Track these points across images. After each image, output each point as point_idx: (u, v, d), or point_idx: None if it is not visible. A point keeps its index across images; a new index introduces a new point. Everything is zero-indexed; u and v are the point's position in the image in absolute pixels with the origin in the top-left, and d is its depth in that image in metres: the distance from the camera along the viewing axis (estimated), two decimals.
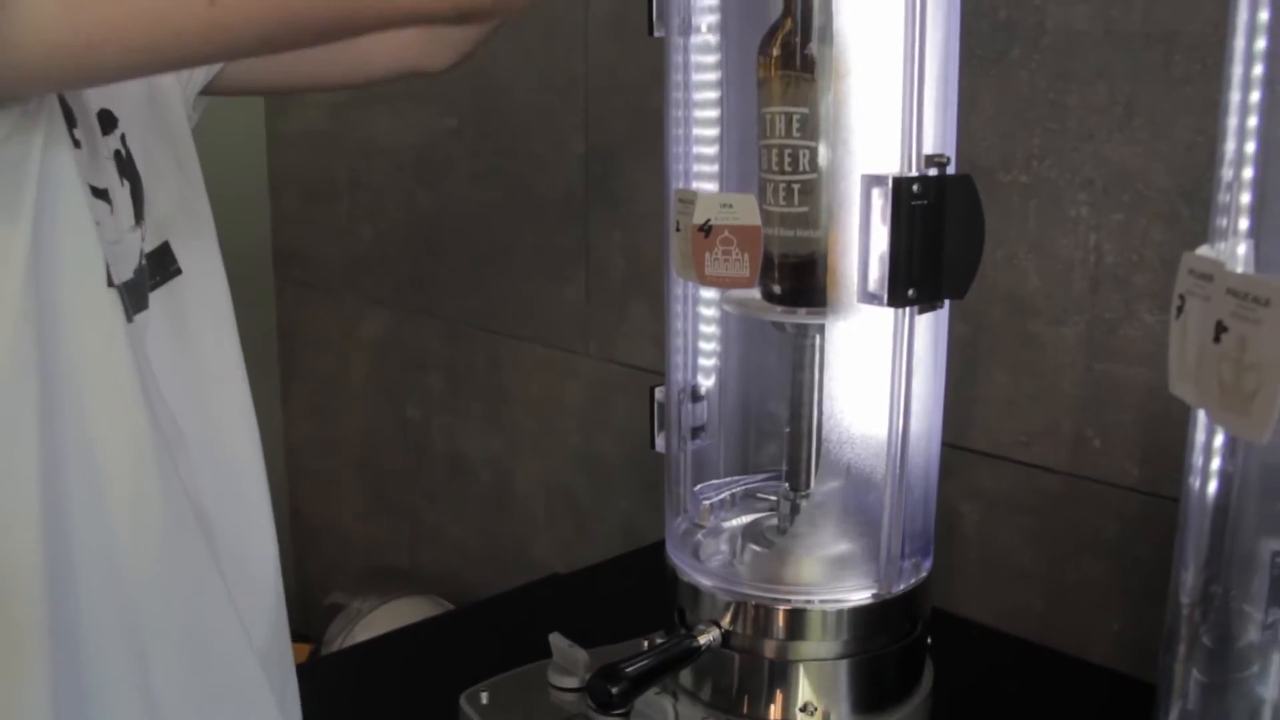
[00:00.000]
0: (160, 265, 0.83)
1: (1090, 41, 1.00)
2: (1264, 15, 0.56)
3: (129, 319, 0.74)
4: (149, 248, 0.81)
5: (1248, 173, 0.55)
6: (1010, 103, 1.06)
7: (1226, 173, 0.56)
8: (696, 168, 0.89)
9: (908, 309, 0.78)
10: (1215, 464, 0.57)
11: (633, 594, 1.06)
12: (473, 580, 1.84)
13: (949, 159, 0.79)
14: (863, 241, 0.78)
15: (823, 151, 0.82)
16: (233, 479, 0.88)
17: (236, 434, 0.90)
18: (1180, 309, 0.52)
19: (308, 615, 2.07)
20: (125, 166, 0.79)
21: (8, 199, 0.64)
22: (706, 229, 0.81)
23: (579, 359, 1.57)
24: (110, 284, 0.70)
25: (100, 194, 0.74)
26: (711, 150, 0.90)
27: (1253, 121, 0.55)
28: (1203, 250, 0.52)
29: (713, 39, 0.90)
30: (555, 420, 1.63)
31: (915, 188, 0.76)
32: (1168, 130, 0.97)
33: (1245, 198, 0.54)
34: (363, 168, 1.95)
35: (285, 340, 2.23)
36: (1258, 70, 0.56)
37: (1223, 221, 0.55)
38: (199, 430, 0.84)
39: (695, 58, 0.89)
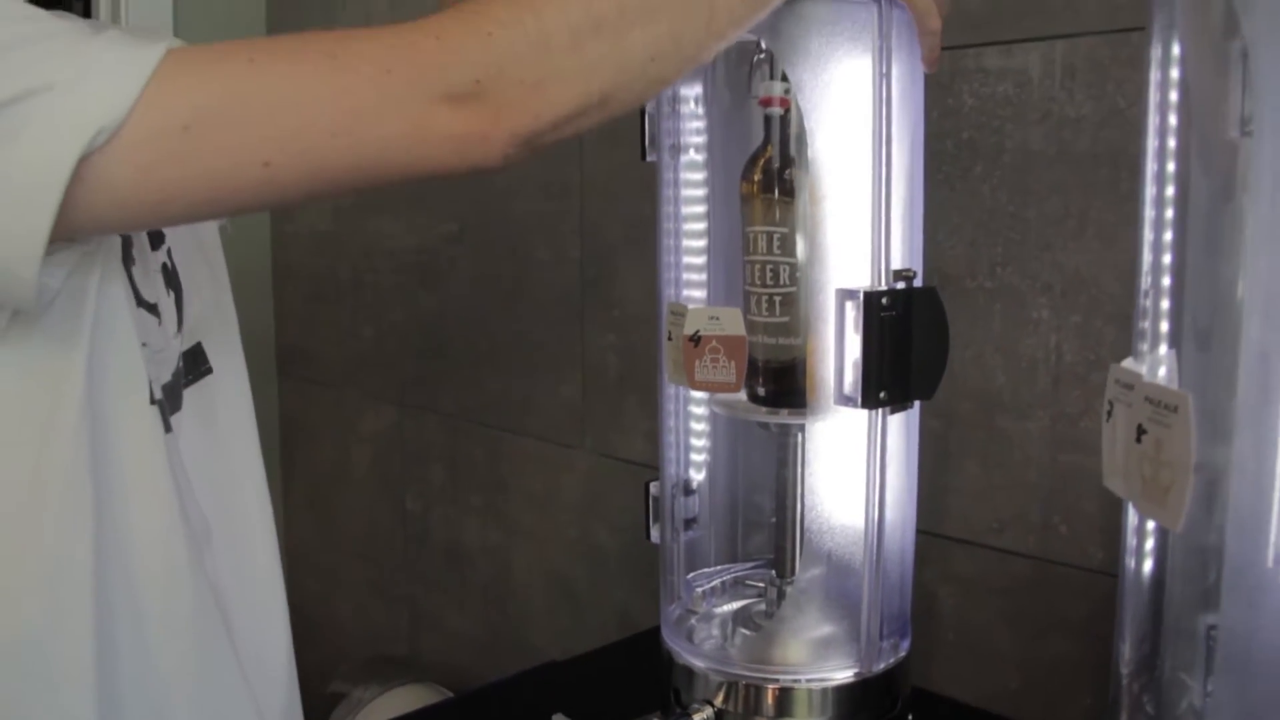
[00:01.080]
0: (194, 365, 0.91)
1: (1045, 160, 1.09)
2: (1171, 142, 0.65)
3: (167, 429, 0.82)
4: (184, 348, 0.89)
5: (1165, 281, 0.64)
6: (975, 215, 1.15)
7: (1145, 280, 0.65)
8: (686, 277, 0.98)
9: (880, 410, 0.86)
10: (1149, 544, 0.64)
11: (629, 677, 1.12)
12: (472, 668, 1.90)
13: (915, 273, 0.87)
14: (838, 349, 0.86)
15: (801, 266, 0.90)
16: (251, 570, 0.95)
17: (256, 527, 0.97)
18: (1110, 413, 0.60)
19: (309, 704, 2.11)
20: (170, 278, 0.87)
21: (68, 328, 0.72)
22: (696, 339, 0.89)
23: (575, 453, 1.65)
24: (152, 401, 0.78)
25: (150, 307, 0.82)
26: (700, 261, 0.98)
27: (1168, 236, 0.63)
28: (1126, 362, 0.60)
29: (700, 159, 0.99)
30: (553, 512, 1.70)
31: (884, 300, 0.84)
32: (1115, 240, 1.06)
33: (1165, 303, 0.62)
34: (365, 268, 2.04)
35: (287, 434, 2.30)
36: (1169, 190, 0.64)
37: (1144, 324, 0.64)
38: (223, 523, 0.91)
39: (685, 177, 0.97)
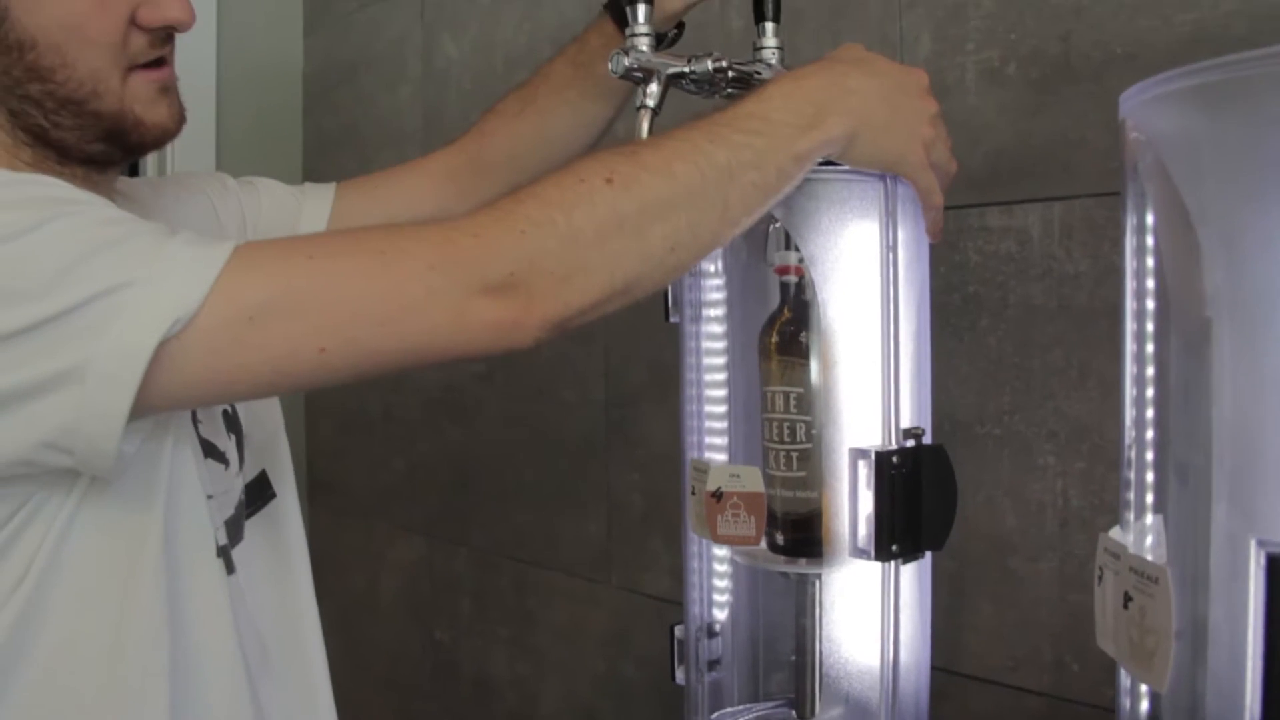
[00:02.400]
0: (259, 493, 0.98)
1: (1047, 314, 1.16)
2: (1150, 303, 0.71)
3: (230, 570, 0.89)
4: (249, 478, 0.97)
5: (1149, 455, 0.69)
6: (981, 365, 1.21)
7: (1129, 454, 0.70)
8: (709, 439, 1.04)
9: (893, 561, 0.92)
10: (1144, 705, 0.69)
11: None
12: None
13: (924, 430, 0.93)
14: (852, 504, 0.91)
15: (816, 423, 0.96)
16: (308, 691, 1.02)
17: (312, 648, 1.04)
18: (1100, 578, 0.66)
19: None
20: (231, 422, 0.95)
21: (143, 491, 0.79)
22: (718, 495, 0.95)
23: (601, 588, 1.69)
24: (217, 554, 0.85)
25: (218, 455, 0.89)
26: (720, 418, 1.04)
27: (1149, 413, 0.69)
28: (1114, 531, 0.66)
29: (720, 320, 1.05)
30: (580, 645, 1.74)
31: (895, 459, 0.90)
32: (1115, 390, 1.11)
33: (1149, 476, 0.68)
34: (395, 403, 2.11)
35: (316, 563, 2.32)
36: (1149, 370, 0.70)
37: (1129, 495, 0.69)
38: (282, 646, 0.98)
39: (707, 333, 1.04)
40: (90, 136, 0.84)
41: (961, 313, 1.22)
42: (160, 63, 0.87)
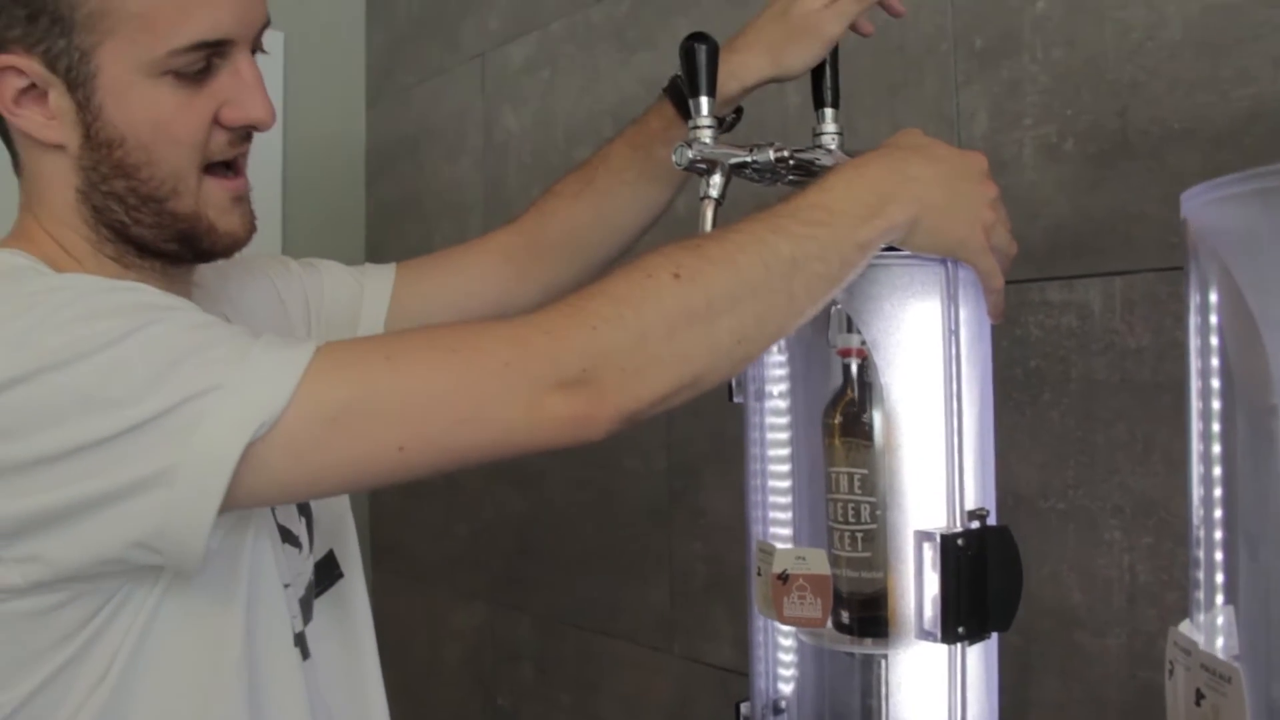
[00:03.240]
0: (327, 572, 1.00)
1: (1110, 388, 1.16)
2: (1216, 405, 0.71)
3: (305, 656, 0.91)
4: (318, 558, 0.99)
5: (1218, 534, 0.69)
6: (1044, 439, 1.21)
7: (1197, 533, 0.70)
8: (773, 514, 1.04)
9: (959, 643, 0.92)
10: None
11: None
12: None
13: (988, 511, 0.94)
14: (917, 586, 0.91)
15: (881, 504, 0.97)
16: None
17: (376, 715, 1.05)
18: (1171, 673, 0.66)
19: None
20: (302, 506, 0.97)
21: (225, 583, 0.82)
22: (784, 577, 0.95)
23: (664, 656, 1.69)
24: (295, 641, 0.87)
25: (291, 537, 0.92)
26: (785, 500, 1.05)
27: (1217, 513, 0.69)
28: (1184, 625, 0.66)
29: (783, 401, 1.06)
30: (642, 715, 1.74)
31: (960, 542, 0.90)
32: (1181, 465, 1.11)
33: (1219, 577, 0.68)
34: (459, 470, 2.12)
35: (379, 627, 2.35)
36: (1216, 449, 0.70)
37: (1198, 574, 0.69)
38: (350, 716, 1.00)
39: (770, 421, 1.05)
40: (166, 235, 0.87)
41: (1024, 387, 1.23)
42: (235, 172, 0.90)
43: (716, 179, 0.93)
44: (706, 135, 0.93)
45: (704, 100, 0.93)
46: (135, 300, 0.76)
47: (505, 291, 1.18)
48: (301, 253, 1.21)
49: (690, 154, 0.93)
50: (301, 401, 0.72)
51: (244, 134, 0.89)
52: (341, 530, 1.04)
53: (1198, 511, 0.76)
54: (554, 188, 1.22)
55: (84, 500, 0.71)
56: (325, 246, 2.38)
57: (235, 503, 0.72)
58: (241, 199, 0.91)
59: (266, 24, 0.89)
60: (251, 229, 0.92)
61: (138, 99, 0.83)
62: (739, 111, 1.11)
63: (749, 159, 0.94)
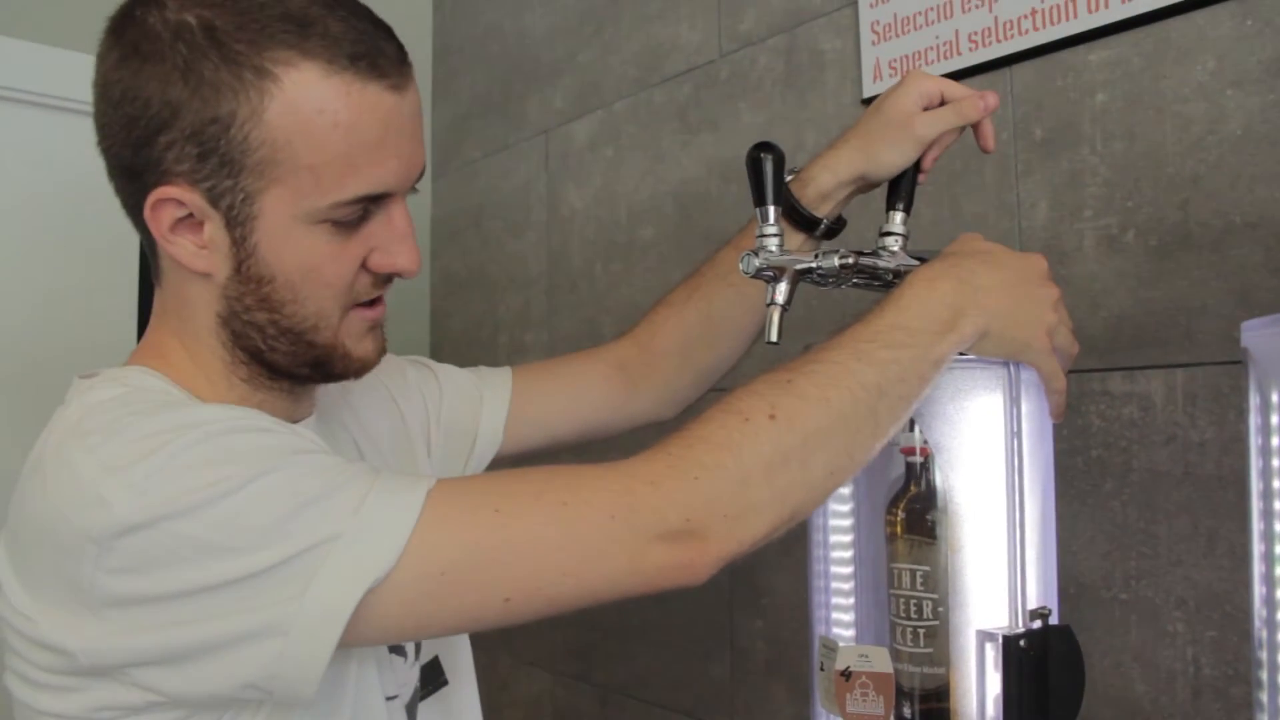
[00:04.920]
0: (431, 678, 1.02)
1: (1172, 481, 1.16)
2: (1276, 483, 0.72)
3: None
4: (422, 662, 1.01)
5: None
6: (1106, 529, 1.21)
7: (1259, 634, 0.71)
8: (835, 616, 1.05)
9: None
10: None
11: None
12: None
13: (1050, 610, 0.94)
14: (979, 685, 0.92)
15: (944, 600, 0.98)
16: None
17: None
18: None
19: None
20: None
21: (330, 703, 0.84)
22: (847, 674, 0.96)
23: None
24: None
25: (398, 648, 0.94)
26: (847, 593, 1.06)
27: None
28: None
29: (846, 492, 1.08)
30: None
31: (1022, 643, 0.91)
32: (1246, 559, 1.11)
33: None
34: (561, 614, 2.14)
35: None
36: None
37: (1261, 675, 0.70)
38: None
39: (833, 522, 1.06)
40: (300, 362, 0.89)
41: (1085, 476, 1.23)
42: (376, 300, 0.91)
43: (783, 286, 0.95)
44: (773, 244, 0.96)
45: (770, 209, 0.96)
46: (259, 445, 0.78)
47: (616, 398, 1.21)
48: None
49: (757, 262, 0.95)
50: (414, 555, 0.74)
51: (387, 278, 0.91)
52: (451, 639, 1.06)
53: (1260, 612, 0.76)
54: (665, 298, 1.24)
55: (199, 644, 0.73)
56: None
57: (344, 645, 0.74)
58: (377, 325, 0.92)
59: (424, 172, 0.90)
60: (382, 352, 0.94)
61: (294, 243, 0.84)
62: (841, 220, 1.12)
63: (814, 265, 0.96)
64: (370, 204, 0.85)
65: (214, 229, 0.84)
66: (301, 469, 0.77)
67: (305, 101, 0.80)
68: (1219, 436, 1.13)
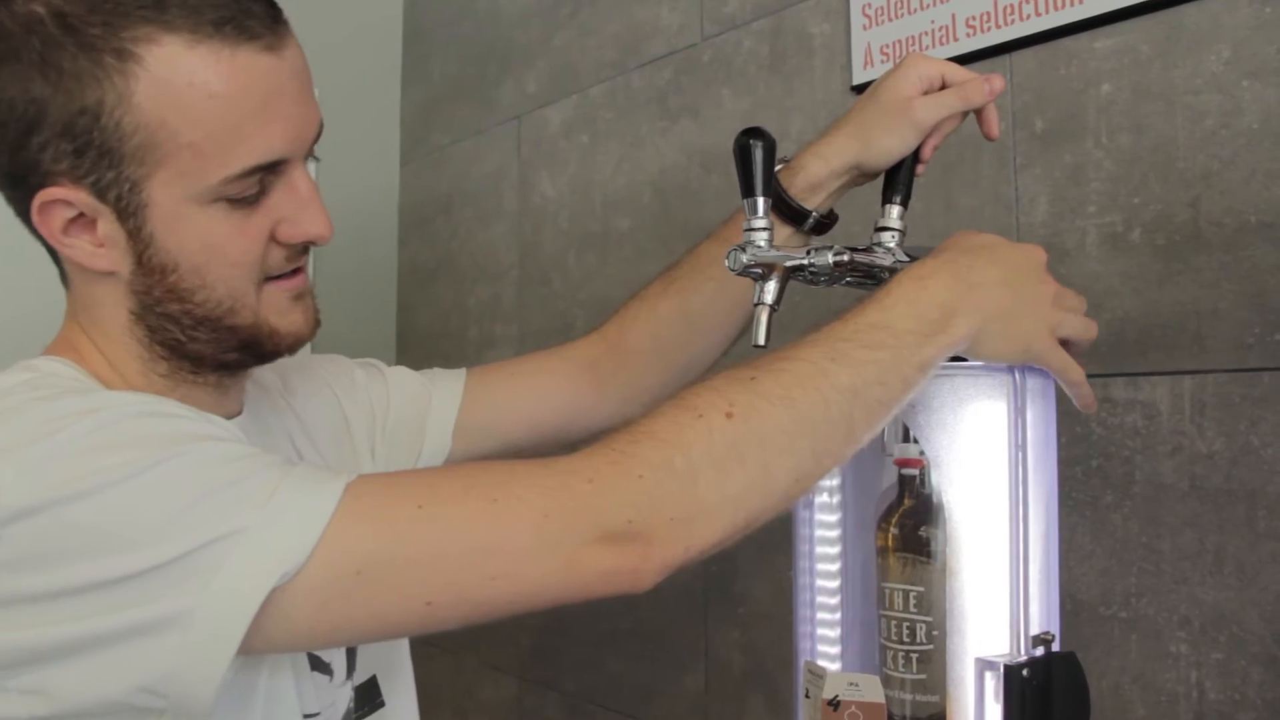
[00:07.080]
0: (367, 698, 0.95)
1: (1177, 494, 1.10)
2: None
3: None
4: (357, 682, 0.93)
5: None
6: (1106, 543, 1.15)
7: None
8: (820, 632, 0.99)
9: None
10: None
11: None
12: None
13: (1053, 636, 0.88)
14: (978, 714, 0.86)
15: (939, 624, 0.91)
16: None
17: None
18: None
19: None
20: None
21: (237, 718, 0.76)
22: (835, 703, 0.90)
23: None
24: None
25: (323, 667, 0.87)
26: (834, 616, 0.99)
27: None
28: None
29: (833, 501, 1.01)
30: None
31: (1025, 673, 0.84)
32: (1256, 579, 1.05)
33: None
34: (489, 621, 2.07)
35: None
36: None
37: None
38: None
39: (819, 533, 0.99)
40: (225, 348, 0.84)
41: (1084, 486, 1.17)
42: (294, 270, 0.86)
43: (772, 285, 0.88)
44: (762, 238, 0.88)
45: (760, 200, 0.89)
46: (164, 430, 0.72)
47: (581, 401, 1.13)
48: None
49: (744, 258, 0.88)
50: (327, 550, 0.67)
51: (301, 248, 0.86)
52: (390, 657, 0.98)
53: None
54: (639, 292, 1.16)
55: (93, 637, 0.67)
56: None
57: (250, 649, 0.67)
58: (302, 295, 0.87)
59: (320, 133, 0.85)
60: (315, 324, 0.89)
61: (191, 227, 0.80)
62: (832, 214, 1.05)
63: (806, 262, 0.89)
64: (266, 174, 0.81)
65: (107, 225, 0.79)
66: (210, 456, 0.70)
67: (173, 77, 0.75)
68: (1229, 448, 1.07)
